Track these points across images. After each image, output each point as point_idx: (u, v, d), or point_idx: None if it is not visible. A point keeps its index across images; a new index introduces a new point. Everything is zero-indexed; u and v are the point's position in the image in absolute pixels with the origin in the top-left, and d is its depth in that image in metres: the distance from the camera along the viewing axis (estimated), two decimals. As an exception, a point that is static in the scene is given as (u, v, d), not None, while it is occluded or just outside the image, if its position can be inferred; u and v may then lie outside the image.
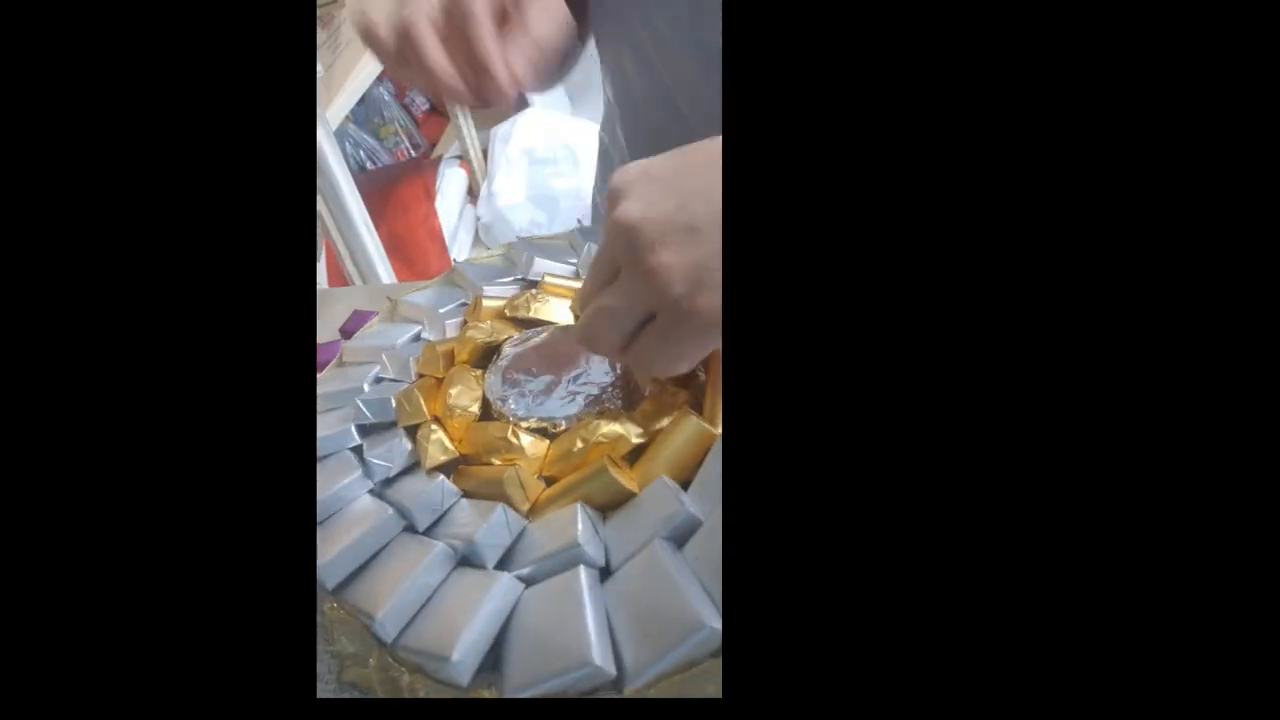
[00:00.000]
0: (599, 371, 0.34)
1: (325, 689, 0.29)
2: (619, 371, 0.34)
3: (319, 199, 1.10)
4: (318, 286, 0.65)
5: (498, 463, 0.32)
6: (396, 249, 1.34)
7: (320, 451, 0.35)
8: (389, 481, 0.33)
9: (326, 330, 0.54)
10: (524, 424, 0.33)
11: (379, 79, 1.40)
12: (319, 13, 1.16)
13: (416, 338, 0.42)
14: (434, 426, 0.33)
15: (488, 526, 0.28)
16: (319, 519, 0.31)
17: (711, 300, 0.25)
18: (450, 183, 1.78)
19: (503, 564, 0.28)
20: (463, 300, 0.44)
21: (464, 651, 0.25)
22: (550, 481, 0.31)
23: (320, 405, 0.39)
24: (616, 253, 0.26)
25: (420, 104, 1.71)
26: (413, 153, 1.63)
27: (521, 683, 0.24)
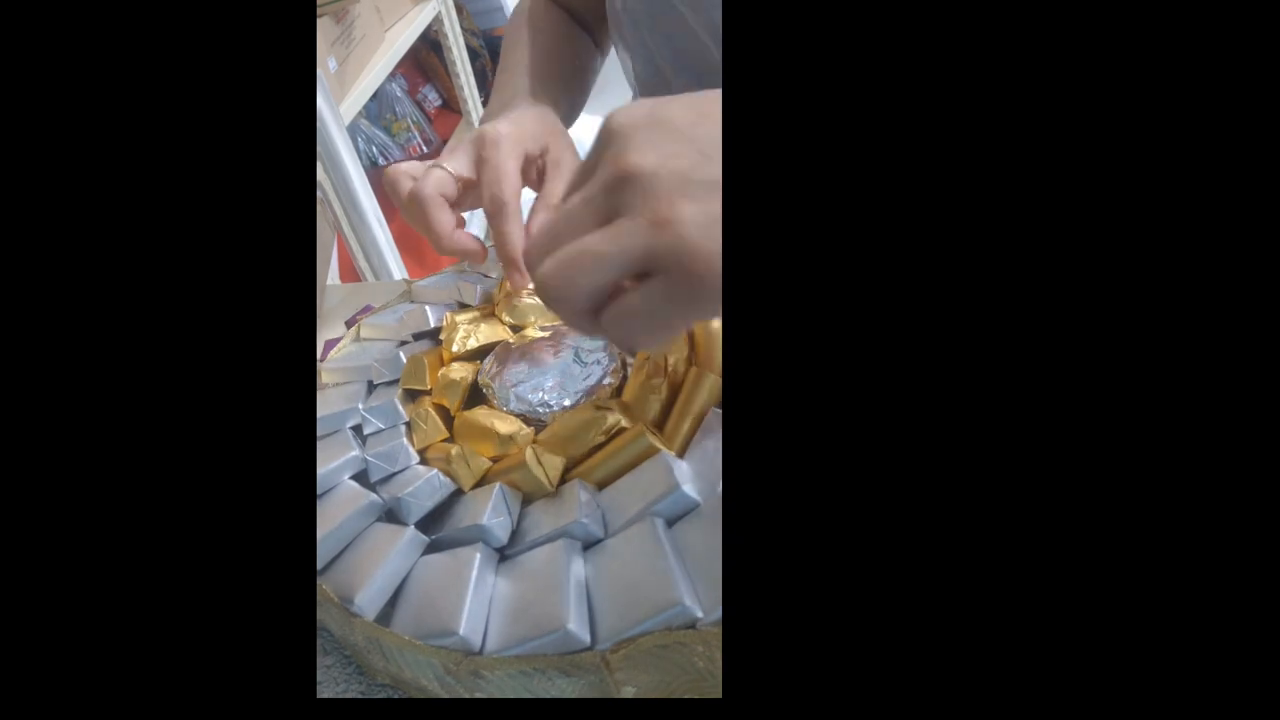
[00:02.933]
0: (594, 363, 0.35)
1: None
2: (608, 364, 0.35)
3: (332, 195, 1.11)
4: (330, 281, 0.65)
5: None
6: (408, 245, 1.35)
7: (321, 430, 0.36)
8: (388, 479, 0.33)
9: (336, 325, 0.54)
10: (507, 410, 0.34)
11: (392, 75, 1.41)
12: (332, 8, 1.17)
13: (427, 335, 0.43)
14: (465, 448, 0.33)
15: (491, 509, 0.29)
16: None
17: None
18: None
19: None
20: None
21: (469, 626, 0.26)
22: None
23: (335, 378, 0.40)
24: (615, 195, 0.23)
25: (433, 100, 1.72)
26: (425, 149, 1.63)
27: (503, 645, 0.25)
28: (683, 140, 0.23)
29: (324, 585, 0.29)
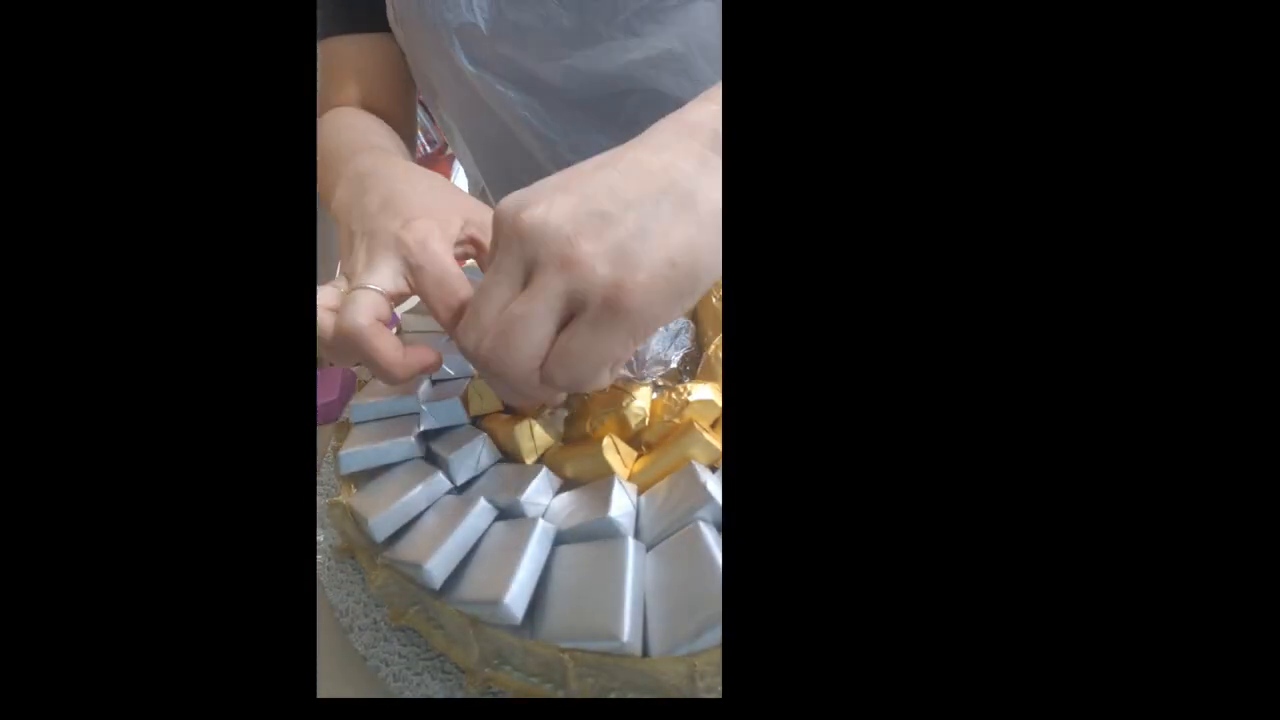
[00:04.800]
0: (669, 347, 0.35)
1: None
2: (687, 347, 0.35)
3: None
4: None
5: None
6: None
7: (386, 460, 0.34)
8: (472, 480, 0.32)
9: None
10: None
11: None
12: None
13: None
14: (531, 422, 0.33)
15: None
16: (402, 522, 0.30)
17: (642, 278, 0.23)
18: (464, 179, 1.78)
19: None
20: None
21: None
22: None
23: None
24: (522, 259, 0.24)
25: (434, 100, 1.71)
26: (427, 149, 1.63)
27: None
28: (560, 191, 0.25)
29: (451, 606, 0.27)
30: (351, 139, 0.47)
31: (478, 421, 0.34)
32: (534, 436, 0.32)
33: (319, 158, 0.46)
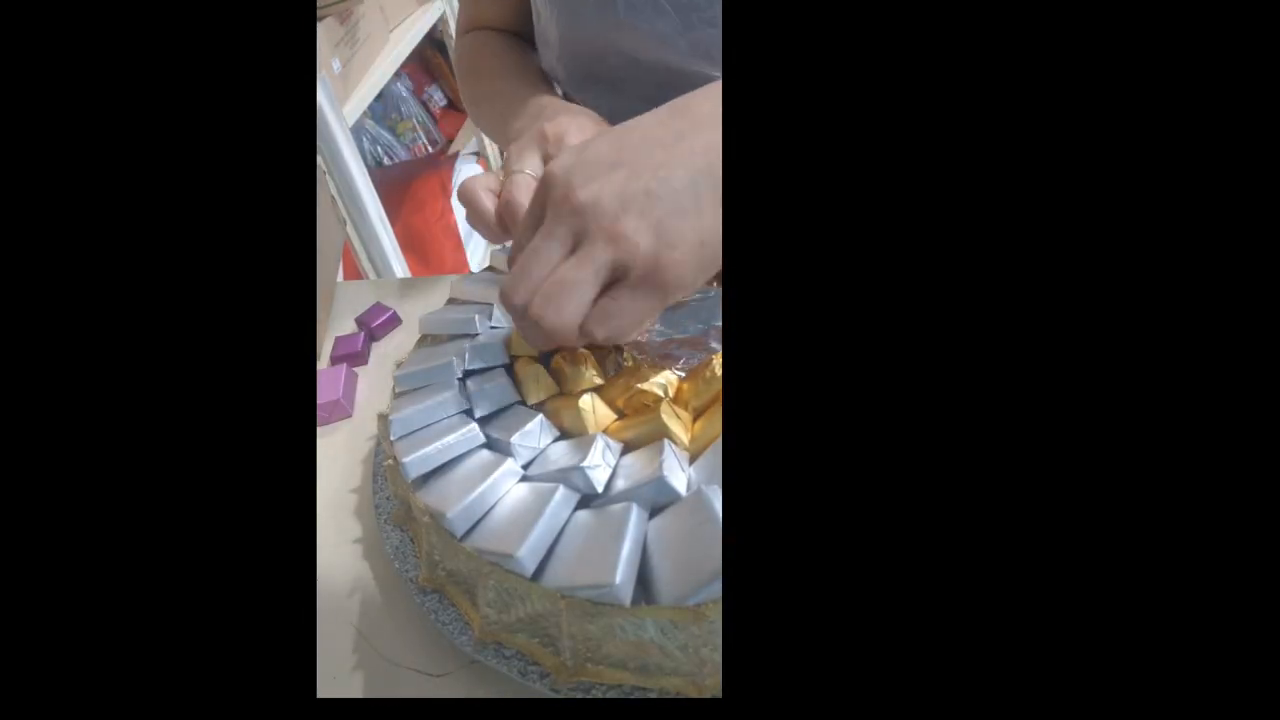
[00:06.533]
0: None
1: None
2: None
3: (336, 194, 1.11)
4: (336, 279, 0.66)
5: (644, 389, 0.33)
6: (412, 244, 1.35)
7: (424, 381, 0.37)
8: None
9: (344, 322, 0.54)
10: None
11: (397, 75, 1.41)
12: (337, 9, 1.17)
13: None
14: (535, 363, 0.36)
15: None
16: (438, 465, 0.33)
17: (677, 255, 0.27)
18: (467, 175, 1.78)
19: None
20: None
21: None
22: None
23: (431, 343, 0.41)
24: (573, 229, 0.28)
25: (438, 100, 1.72)
26: (430, 149, 1.63)
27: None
28: (610, 167, 0.28)
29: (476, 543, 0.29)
30: (520, 82, 0.52)
31: (514, 363, 0.37)
32: (595, 412, 0.33)
33: (475, 82, 0.53)
